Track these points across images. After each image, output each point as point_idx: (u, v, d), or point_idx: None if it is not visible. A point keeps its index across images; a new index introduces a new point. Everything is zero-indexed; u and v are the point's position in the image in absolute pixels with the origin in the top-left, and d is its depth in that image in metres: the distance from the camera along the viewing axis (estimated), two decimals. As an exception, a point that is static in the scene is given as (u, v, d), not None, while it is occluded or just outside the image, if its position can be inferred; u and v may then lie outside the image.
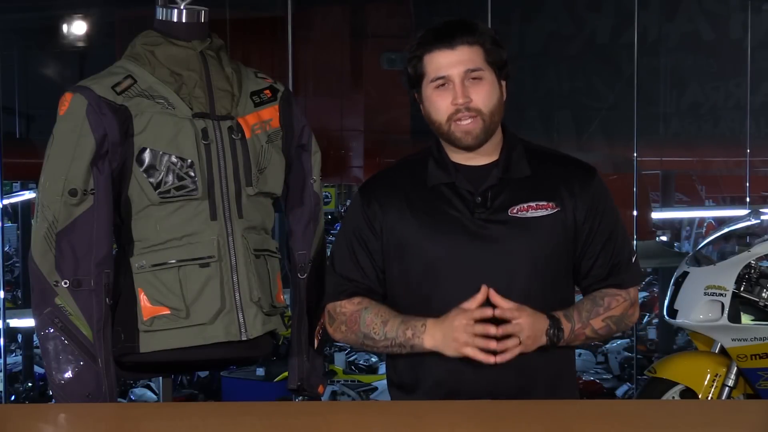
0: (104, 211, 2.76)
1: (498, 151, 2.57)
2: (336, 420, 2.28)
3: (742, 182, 9.82)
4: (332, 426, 2.23)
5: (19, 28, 10.23)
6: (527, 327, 2.42)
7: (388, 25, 9.97)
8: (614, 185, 8.60)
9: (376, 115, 9.86)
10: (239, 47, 8.36)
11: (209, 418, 2.29)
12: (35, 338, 5.96)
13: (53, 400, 2.81)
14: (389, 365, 2.67)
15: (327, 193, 12.35)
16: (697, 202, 13.16)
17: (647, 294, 13.18)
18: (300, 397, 3.09)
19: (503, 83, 2.55)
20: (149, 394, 9.17)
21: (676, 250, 12.86)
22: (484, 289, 2.43)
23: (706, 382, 5.15)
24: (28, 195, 9.31)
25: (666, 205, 11.23)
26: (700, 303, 5.23)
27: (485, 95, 2.50)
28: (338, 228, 2.68)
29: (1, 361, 7.32)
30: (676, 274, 5.46)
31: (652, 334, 11.25)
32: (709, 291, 5.21)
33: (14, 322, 7.83)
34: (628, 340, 10.48)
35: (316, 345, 3.00)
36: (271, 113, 2.91)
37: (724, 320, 5.14)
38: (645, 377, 5.61)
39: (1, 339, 6.79)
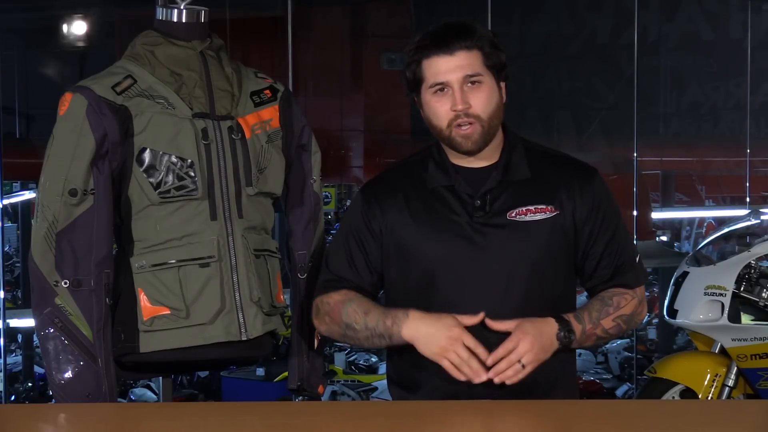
0: (104, 211, 2.76)
1: (498, 153, 2.57)
2: (336, 420, 2.28)
3: (742, 182, 9.82)
4: (332, 426, 2.23)
5: (19, 28, 10.23)
6: (530, 346, 2.41)
7: (388, 25, 9.98)
8: (614, 185, 8.58)
9: (376, 115, 9.87)
10: (239, 47, 8.36)
11: (209, 418, 2.29)
12: (35, 338, 5.96)
13: (53, 400, 2.81)
14: (390, 363, 2.67)
15: (327, 193, 12.35)
16: (697, 202, 13.16)
17: (647, 294, 13.14)
18: (300, 397, 3.09)
19: (502, 85, 2.55)
20: (149, 394, 9.17)
21: (676, 250, 12.85)
22: (481, 315, 2.43)
23: (706, 382, 5.15)
24: (28, 195, 9.31)
25: (666, 205, 11.23)
26: (700, 303, 5.23)
27: (484, 100, 2.50)
28: (338, 227, 2.68)
29: (1, 361, 7.32)
30: (676, 274, 5.46)
31: (652, 334, 11.25)
32: (709, 291, 5.21)
33: (14, 322, 7.83)
34: (628, 340, 10.47)
35: (316, 345, 3.00)
36: (271, 113, 2.91)
37: (724, 320, 5.14)
38: (645, 377, 5.60)
39: (1, 339, 6.79)
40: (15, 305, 9.74)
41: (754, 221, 5.62)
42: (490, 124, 2.51)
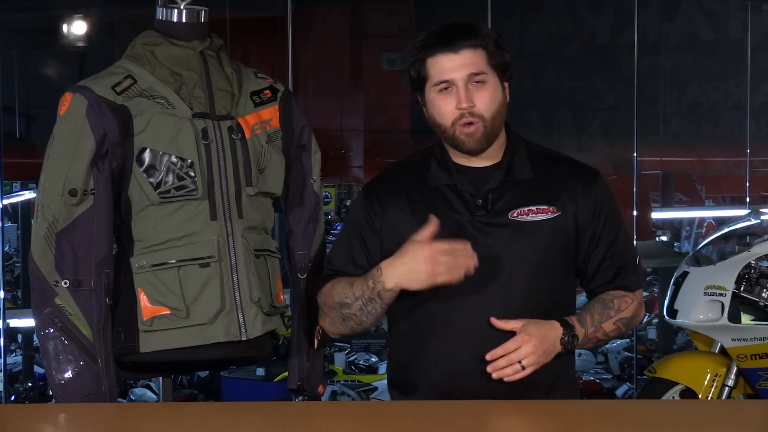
0: (104, 211, 2.76)
1: (501, 152, 2.57)
2: (336, 420, 2.28)
3: (742, 182, 9.82)
4: (332, 426, 2.23)
5: (19, 28, 10.24)
6: (533, 349, 2.41)
7: (388, 25, 9.98)
8: (614, 185, 8.57)
9: (376, 115, 9.87)
10: (239, 47, 8.36)
11: (209, 418, 2.29)
12: (35, 338, 5.96)
13: (53, 400, 2.81)
14: (388, 365, 2.68)
15: (327, 193, 12.35)
16: (697, 202, 13.16)
17: (647, 294, 13.17)
18: (300, 397, 3.09)
19: (506, 85, 2.55)
20: (149, 394, 9.17)
21: (676, 250, 12.86)
22: (434, 223, 2.41)
23: (706, 382, 5.15)
24: (28, 195, 9.31)
25: (666, 205, 11.23)
26: (700, 303, 5.23)
27: (488, 100, 2.49)
28: (339, 228, 2.69)
29: (1, 361, 7.32)
30: (676, 274, 5.46)
31: (652, 334, 11.25)
32: (709, 291, 5.21)
33: (14, 322, 7.83)
34: (628, 340, 10.47)
35: (316, 345, 3.00)
36: (271, 113, 2.91)
37: (724, 320, 5.14)
38: (645, 377, 5.60)
39: (1, 339, 6.79)
40: (15, 305, 9.74)
41: (754, 221, 5.62)
42: (494, 123, 2.51)
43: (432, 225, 2.40)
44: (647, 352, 10.10)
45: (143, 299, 2.75)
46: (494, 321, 2.44)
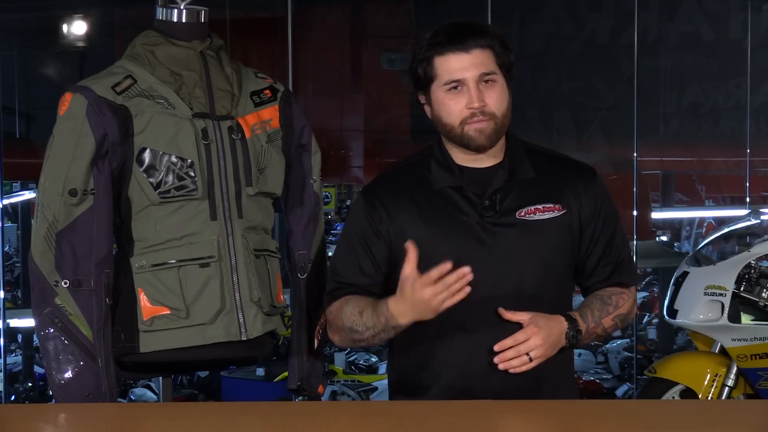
0: (104, 211, 2.76)
1: (502, 153, 2.56)
2: (336, 420, 2.28)
3: (742, 182, 9.82)
4: (332, 426, 2.23)
5: (19, 28, 10.24)
6: (541, 341, 2.42)
7: (388, 25, 9.98)
8: (614, 185, 8.60)
9: (376, 115, 9.87)
10: (239, 47, 8.36)
11: (209, 418, 2.29)
12: (35, 338, 5.96)
13: (53, 400, 2.81)
14: (392, 371, 2.65)
15: (327, 193, 12.35)
16: (697, 202, 13.17)
17: (647, 294, 13.18)
18: (300, 397, 3.09)
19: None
20: (149, 394, 9.18)
21: (676, 250, 12.86)
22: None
23: (706, 382, 5.15)
24: (28, 195, 9.31)
25: (666, 205, 11.24)
26: (700, 303, 5.23)
27: (498, 99, 2.49)
28: (339, 228, 2.67)
29: (1, 361, 7.32)
30: (676, 274, 5.46)
31: (652, 334, 11.26)
32: (709, 291, 5.21)
33: (14, 322, 7.84)
34: (628, 340, 10.48)
35: (316, 345, 3.00)
36: (271, 113, 2.91)
37: (724, 320, 5.14)
38: (645, 377, 5.60)
39: (1, 339, 6.79)
40: (15, 305, 9.75)
41: (754, 221, 5.62)
42: (503, 122, 2.51)
43: (411, 254, 2.36)
44: (647, 352, 10.10)
45: (143, 299, 2.75)
46: (502, 312, 2.44)
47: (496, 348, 2.42)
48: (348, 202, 16.83)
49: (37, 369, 9.70)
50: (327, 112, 9.56)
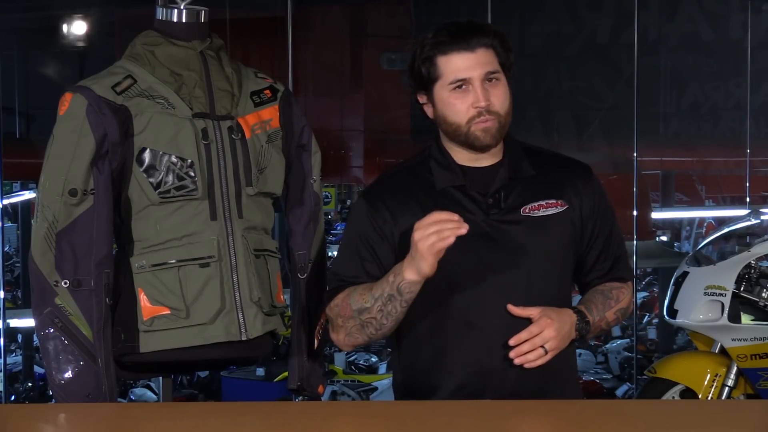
0: (104, 211, 2.76)
1: (501, 152, 2.57)
2: (336, 420, 2.28)
3: (742, 182, 9.82)
4: (332, 426, 2.23)
5: (19, 28, 10.25)
6: (555, 333, 2.43)
7: (388, 25, 9.98)
8: (614, 185, 8.61)
9: (376, 115, 9.87)
10: (239, 47, 8.36)
11: (209, 418, 2.28)
12: (35, 338, 5.96)
13: (53, 400, 2.81)
14: (399, 372, 2.62)
15: (327, 193, 12.35)
16: (697, 202, 13.18)
17: (647, 294, 13.19)
18: (300, 397, 3.09)
19: None
20: (149, 394, 9.18)
21: (676, 250, 12.86)
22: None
23: (706, 382, 5.15)
24: (28, 195, 9.32)
25: (666, 205, 11.24)
26: (700, 303, 5.23)
27: (502, 97, 2.50)
28: (339, 228, 2.67)
29: (1, 361, 7.32)
30: (676, 274, 5.46)
31: (652, 334, 11.26)
32: (709, 291, 5.21)
33: (14, 322, 7.84)
34: (628, 340, 10.48)
35: (316, 345, 3.00)
36: (271, 113, 2.91)
37: (724, 320, 5.14)
38: (645, 377, 5.60)
39: (1, 339, 6.79)
40: (15, 305, 9.76)
41: (754, 221, 5.62)
42: (506, 120, 2.52)
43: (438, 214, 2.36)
44: (647, 352, 10.10)
45: (143, 299, 2.75)
46: (511, 308, 2.44)
47: (511, 342, 2.42)
48: (348, 202, 16.81)
49: (37, 369, 9.70)
50: (327, 112, 9.56)
